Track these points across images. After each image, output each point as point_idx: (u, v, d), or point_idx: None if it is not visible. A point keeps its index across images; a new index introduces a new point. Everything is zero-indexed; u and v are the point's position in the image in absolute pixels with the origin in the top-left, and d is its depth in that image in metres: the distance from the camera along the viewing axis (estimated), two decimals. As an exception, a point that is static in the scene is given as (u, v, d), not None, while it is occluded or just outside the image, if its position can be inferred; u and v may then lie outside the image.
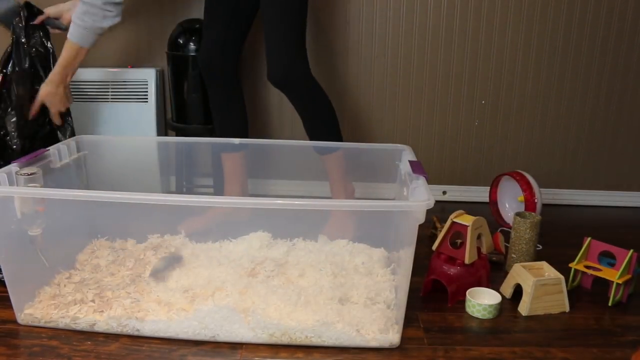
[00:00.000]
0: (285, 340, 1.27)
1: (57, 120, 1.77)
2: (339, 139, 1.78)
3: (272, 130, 2.29)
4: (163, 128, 2.24)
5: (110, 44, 2.22)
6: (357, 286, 1.40)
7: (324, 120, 1.77)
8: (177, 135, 2.13)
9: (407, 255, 1.25)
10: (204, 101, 2.08)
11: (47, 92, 1.70)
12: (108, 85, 2.13)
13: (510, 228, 1.75)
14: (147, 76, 2.14)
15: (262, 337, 1.28)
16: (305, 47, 1.70)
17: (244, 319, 1.29)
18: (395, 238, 1.50)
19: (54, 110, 1.74)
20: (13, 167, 1.37)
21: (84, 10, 1.60)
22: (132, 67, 2.17)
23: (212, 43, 1.80)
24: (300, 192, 1.98)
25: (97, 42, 1.68)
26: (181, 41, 2.02)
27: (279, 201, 1.39)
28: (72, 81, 2.17)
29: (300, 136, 2.23)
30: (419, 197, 1.26)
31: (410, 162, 1.48)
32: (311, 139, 1.78)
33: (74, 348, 1.26)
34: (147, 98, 2.15)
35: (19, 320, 1.35)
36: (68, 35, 1.65)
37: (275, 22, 1.65)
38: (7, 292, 1.34)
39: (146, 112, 2.15)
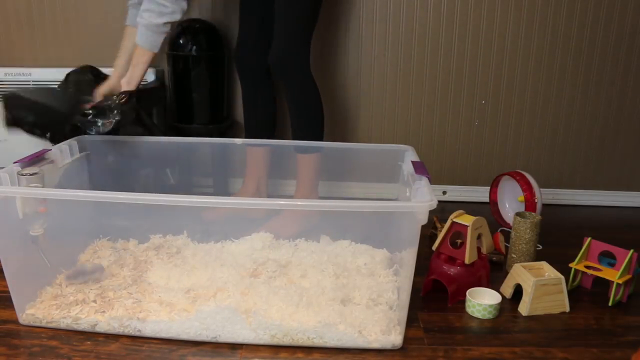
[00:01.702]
0: (287, 341, 1.27)
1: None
2: (320, 140, 1.80)
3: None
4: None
5: (110, 44, 2.22)
6: (359, 287, 1.40)
7: (309, 118, 1.79)
8: (177, 135, 2.12)
9: (409, 256, 1.25)
10: (204, 101, 2.09)
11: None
12: (108, 85, 2.12)
13: (510, 228, 1.75)
14: (147, 76, 2.14)
15: (263, 338, 1.28)
16: (309, 41, 1.73)
17: (245, 320, 1.29)
18: (397, 239, 1.50)
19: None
20: (15, 167, 1.37)
21: (145, 7, 1.60)
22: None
23: (244, 38, 1.87)
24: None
25: (159, 44, 1.67)
26: (181, 41, 2.02)
27: (280, 202, 1.39)
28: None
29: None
30: (422, 197, 1.26)
31: (413, 162, 1.48)
32: (293, 136, 1.81)
33: (73, 348, 1.26)
34: (147, 98, 2.15)
35: (21, 321, 1.35)
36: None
37: (282, 8, 1.70)
38: (7, 291, 1.34)
39: (146, 112, 2.15)
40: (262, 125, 1.95)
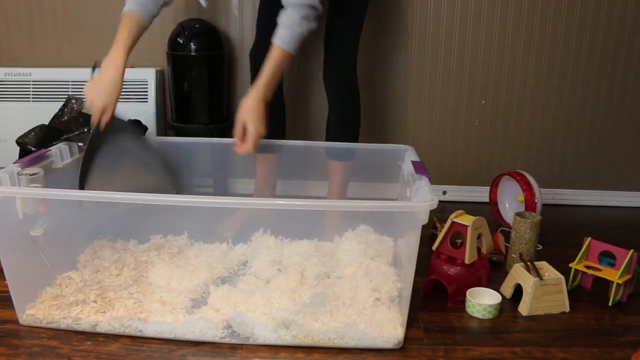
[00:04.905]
0: (308, 342, 1.28)
1: (252, 149, 1.47)
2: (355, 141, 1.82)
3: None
4: (163, 128, 2.24)
5: (110, 44, 2.22)
6: (362, 287, 1.40)
7: (354, 124, 1.82)
8: (177, 135, 2.13)
9: (410, 256, 1.26)
10: (204, 101, 2.08)
11: (249, 107, 1.47)
12: (108, 85, 2.12)
13: (510, 228, 1.75)
14: (147, 76, 2.14)
15: (285, 339, 1.28)
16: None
17: (266, 320, 1.29)
18: (398, 238, 1.50)
19: (253, 132, 1.47)
20: (15, 167, 1.37)
21: (305, 13, 1.47)
22: (132, 67, 2.17)
23: (258, 37, 1.83)
24: (298, 192, 1.98)
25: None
26: (181, 41, 2.02)
27: (280, 201, 1.39)
28: (73, 81, 2.18)
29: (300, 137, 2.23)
30: (422, 197, 1.27)
31: (413, 162, 1.48)
32: (330, 139, 1.83)
33: (73, 348, 1.26)
34: (147, 98, 2.15)
35: (21, 321, 1.35)
36: (277, 42, 1.48)
37: (342, 20, 1.74)
38: (7, 291, 1.34)
39: (146, 112, 2.15)
40: (273, 129, 1.89)
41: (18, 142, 1.81)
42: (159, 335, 1.30)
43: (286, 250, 1.57)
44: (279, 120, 1.92)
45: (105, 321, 1.31)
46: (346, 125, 1.83)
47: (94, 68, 1.54)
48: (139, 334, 1.30)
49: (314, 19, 1.51)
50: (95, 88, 1.46)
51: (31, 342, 1.28)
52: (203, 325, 1.29)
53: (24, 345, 1.27)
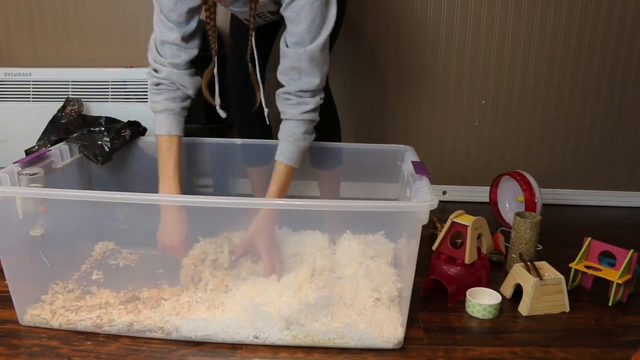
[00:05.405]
0: (308, 342, 1.28)
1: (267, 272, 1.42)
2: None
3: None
4: (163, 128, 2.23)
5: (111, 44, 2.22)
6: (362, 287, 1.40)
7: (334, 131, 1.78)
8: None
9: (410, 256, 1.26)
10: (204, 101, 2.08)
11: (259, 229, 1.42)
12: (108, 85, 2.12)
13: (510, 228, 1.75)
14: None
15: (285, 339, 1.28)
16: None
17: (272, 321, 1.29)
18: (398, 238, 1.50)
19: (265, 257, 1.43)
20: (15, 167, 1.37)
21: (306, 128, 1.44)
22: (132, 67, 2.17)
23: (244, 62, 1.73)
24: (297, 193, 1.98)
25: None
26: (181, 41, 2.02)
27: (280, 201, 1.39)
28: (73, 81, 2.18)
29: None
30: (423, 197, 1.27)
31: (413, 162, 1.48)
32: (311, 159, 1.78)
33: (73, 348, 1.26)
34: (147, 98, 2.15)
35: (21, 321, 1.35)
36: (282, 159, 1.45)
37: None
38: (7, 292, 1.34)
39: (146, 112, 2.15)
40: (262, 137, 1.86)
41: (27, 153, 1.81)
42: (193, 334, 1.29)
43: (299, 242, 1.56)
44: (265, 127, 1.88)
45: (140, 321, 1.30)
46: (326, 134, 1.73)
47: None
48: (172, 333, 1.29)
49: (313, 130, 1.47)
50: (167, 233, 1.44)
51: (31, 342, 1.28)
52: (236, 325, 1.28)
53: (24, 345, 1.27)
